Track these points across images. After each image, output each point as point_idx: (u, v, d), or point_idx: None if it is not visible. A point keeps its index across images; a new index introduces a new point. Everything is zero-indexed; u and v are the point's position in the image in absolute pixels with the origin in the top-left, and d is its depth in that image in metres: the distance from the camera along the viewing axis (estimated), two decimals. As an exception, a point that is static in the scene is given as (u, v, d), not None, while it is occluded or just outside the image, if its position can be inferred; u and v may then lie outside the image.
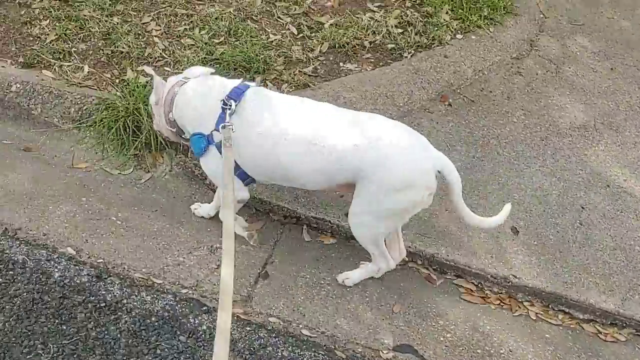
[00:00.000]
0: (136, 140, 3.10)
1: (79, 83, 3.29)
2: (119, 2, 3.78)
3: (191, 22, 3.74)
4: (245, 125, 2.37)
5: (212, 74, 2.61)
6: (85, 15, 3.65)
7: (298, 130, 2.34)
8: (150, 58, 3.48)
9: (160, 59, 3.47)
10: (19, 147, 3.15)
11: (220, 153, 2.34)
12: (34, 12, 3.67)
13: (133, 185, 3.06)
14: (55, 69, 3.35)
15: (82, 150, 3.18)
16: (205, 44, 3.57)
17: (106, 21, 3.64)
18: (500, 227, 2.82)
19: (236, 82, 2.50)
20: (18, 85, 3.25)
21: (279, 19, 3.89)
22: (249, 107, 2.38)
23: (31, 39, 3.52)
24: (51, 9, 3.67)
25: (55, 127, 3.21)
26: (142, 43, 3.55)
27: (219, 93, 2.41)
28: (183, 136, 2.62)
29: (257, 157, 2.42)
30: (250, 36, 3.66)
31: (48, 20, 3.60)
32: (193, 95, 2.47)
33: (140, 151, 3.15)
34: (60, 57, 3.42)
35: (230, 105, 2.33)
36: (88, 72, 3.36)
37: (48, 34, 3.53)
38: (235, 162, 2.33)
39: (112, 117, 3.12)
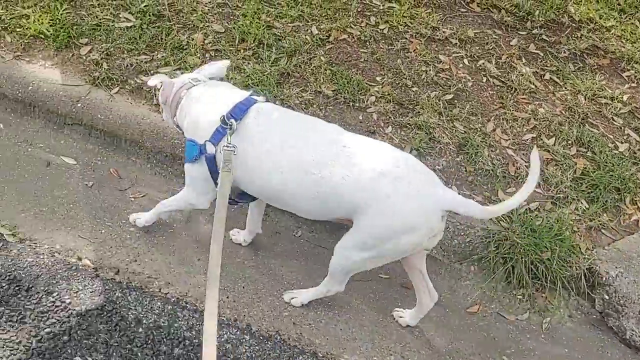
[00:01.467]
0: (535, 281, 2.86)
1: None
2: (454, 106, 3.48)
3: (533, 127, 3.45)
4: (242, 145, 2.23)
5: (226, 76, 2.53)
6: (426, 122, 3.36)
7: (295, 158, 2.18)
8: (520, 179, 3.19)
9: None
10: (396, 282, 2.90)
11: (208, 165, 2.29)
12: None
13: (536, 334, 2.82)
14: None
15: (464, 287, 2.93)
16: (563, 156, 3.29)
17: (452, 129, 3.36)
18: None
19: (243, 94, 2.37)
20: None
21: (612, 122, 3.60)
22: (248, 128, 2.24)
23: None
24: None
25: (436, 260, 2.96)
26: (499, 158, 3.27)
27: (222, 107, 2.28)
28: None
29: (252, 178, 2.28)
30: (600, 145, 3.38)
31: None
32: (196, 102, 2.38)
33: (527, 290, 2.90)
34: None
35: (231, 125, 2.21)
36: (460, 196, 3.08)
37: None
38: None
39: (504, 254, 2.86)
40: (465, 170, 3.18)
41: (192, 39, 3.55)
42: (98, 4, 3.67)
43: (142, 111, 3.19)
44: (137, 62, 3.39)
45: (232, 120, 2.21)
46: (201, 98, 2.37)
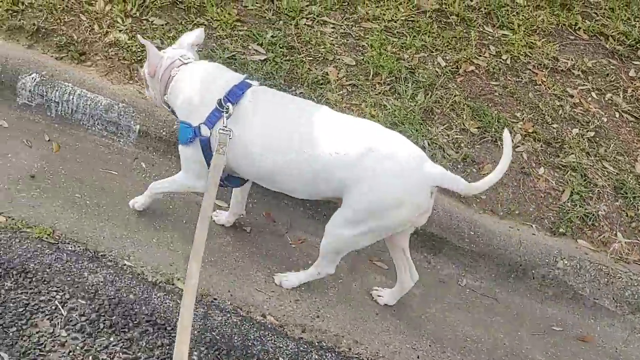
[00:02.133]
0: None
1: (627, 259, 2.94)
2: (599, 145, 3.40)
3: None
4: (237, 128, 2.25)
5: (197, 46, 2.54)
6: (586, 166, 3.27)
7: (287, 138, 2.23)
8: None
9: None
10: (570, 334, 2.82)
11: (202, 148, 2.29)
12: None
13: None
14: (591, 239, 3.00)
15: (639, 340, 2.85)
16: None
17: (603, 169, 3.27)
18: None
19: (237, 77, 2.37)
20: (565, 262, 2.90)
21: None
22: (243, 110, 2.27)
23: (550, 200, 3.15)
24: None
25: (607, 311, 2.88)
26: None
27: (218, 89, 2.30)
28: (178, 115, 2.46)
29: (244, 160, 2.30)
30: None
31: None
32: (191, 84, 2.35)
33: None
34: (588, 222, 3.06)
35: (227, 109, 2.23)
36: (625, 243, 3.01)
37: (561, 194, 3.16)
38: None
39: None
40: (627, 216, 3.10)
41: (327, 73, 3.43)
42: (225, 35, 3.54)
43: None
44: (278, 99, 3.27)
45: (229, 104, 2.22)
46: (196, 78, 2.35)
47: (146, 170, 3.06)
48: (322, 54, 3.56)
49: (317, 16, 3.82)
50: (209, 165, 2.29)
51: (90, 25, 3.45)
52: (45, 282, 2.36)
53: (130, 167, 3.05)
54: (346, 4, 3.98)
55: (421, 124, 3.27)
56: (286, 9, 3.81)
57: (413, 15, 3.91)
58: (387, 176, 2.13)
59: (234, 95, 2.26)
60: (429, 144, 3.17)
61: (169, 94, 2.40)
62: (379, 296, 2.67)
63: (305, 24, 3.76)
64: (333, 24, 3.82)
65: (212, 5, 3.69)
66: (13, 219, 2.62)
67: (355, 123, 2.28)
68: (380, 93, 3.40)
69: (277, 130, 2.24)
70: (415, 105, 3.35)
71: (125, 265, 2.55)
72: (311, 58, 3.54)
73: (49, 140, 3.08)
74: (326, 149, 2.17)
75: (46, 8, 3.46)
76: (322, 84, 3.38)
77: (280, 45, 3.54)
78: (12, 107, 3.20)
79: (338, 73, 3.47)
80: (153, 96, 2.55)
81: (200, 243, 1.92)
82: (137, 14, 3.55)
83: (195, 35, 2.55)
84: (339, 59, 3.56)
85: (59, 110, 3.18)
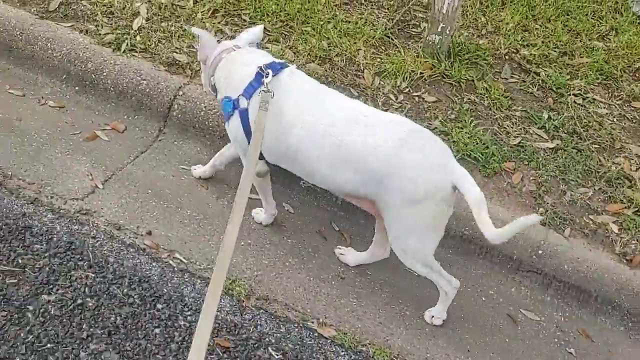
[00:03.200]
0: None
1: None
2: None
3: None
4: (271, 103, 2.29)
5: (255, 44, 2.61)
6: None
7: (316, 117, 2.28)
8: None
9: None
10: None
11: (242, 121, 2.36)
12: None
13: None
14: None
15: None
16: None
17: None
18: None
19: (273, 59, 2.47)
20: None
21: None
22: (280, 85, 2.34)
23: None
24: None
25: None
26: None
27: (255, 64, 2.39)
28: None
29: (274, 137, 2.34)
30: None
31: None
32: (234, 63, 2.45)
33: None
34: None
35: (268, 74, 2.31)
36: None
37: None
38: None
39: None
40: None
41: (622, 168, 3.15)
42: (504, 117, 3.31)
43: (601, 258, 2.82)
44: (579, 197, 3.02)
45: (269, 69, 2.32)
46: (239, 59, 2.46)
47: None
48: (607, 141, 3.29)
49: (585, 93, 3.55)
50: (249, 141, 2.36)
51: (364, 101, 3.26)
52: None
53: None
54: (605, 77, 3.70)
55: None
56: (551, 83, 3.55)
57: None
58: (417, 167, 2.20)
59: (274, 68, 2.36)
60: None
61: (216, 74, 2.49)
62: (341, 254, 2.71)
63: (574, 102, 3.49)
64: (603, 102, 3.55)
65: (479, 80, 3.46)
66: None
67: (384, 115, 2.37)
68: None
69: (310, 109, 2.30)
70: None
71: None
72: (597, 146, 3.27)
73: (338, 230, 2.90)
74: (356, 138, 2.22)
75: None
76: (619, 180, 3.11)
77: (563, 130, 3.28)
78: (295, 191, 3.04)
79: (630, 166, 3.19)
80: (204, 82, 2.64)
81: (239, 216, 1.86)
82: (409, 90, 3.35)
83: (253, 33, 2.62)
84: (627, 148, 3.28)
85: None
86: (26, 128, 2.94)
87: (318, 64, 3.36)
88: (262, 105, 2.25)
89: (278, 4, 3.66)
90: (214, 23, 3.46)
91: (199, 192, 2.87)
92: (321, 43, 3.47)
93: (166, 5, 3.51)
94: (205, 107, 3.07)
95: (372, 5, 3.89)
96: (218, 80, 2.50)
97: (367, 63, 3.43)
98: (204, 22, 3.46)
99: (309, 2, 3.73)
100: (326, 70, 3.33)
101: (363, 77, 3.37)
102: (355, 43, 3.52)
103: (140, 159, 2.93)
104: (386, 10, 3.86)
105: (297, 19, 3.61)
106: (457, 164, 2.26)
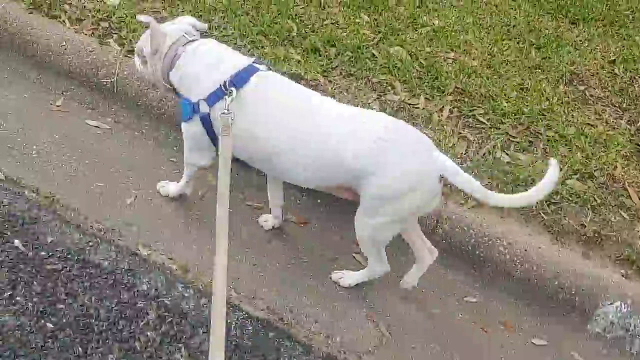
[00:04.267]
0: None
1: None
2: None
3: None
4: (240, 111, 2.26)
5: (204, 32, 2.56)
6: None
7: (293, 121, 2.26)
8: None
9: None
10: None
11: (203, 124, 2.35)
12: None
13: None
14: None
15: None
16: None
17: None
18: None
19: (245, 61, 2.37)
20: None
21: None
22: (247, 95, 2.29)
23: None
24: None
25: None
26: None
27: (225, 70, 2.32)
28: (180, 95, 2.47)
29: (246, 143, 2.31)
30: None
31: None
32: (197, 59, 2.38)
33: None
34: None
35: (231, 92, 2.25)
36: None
37: None
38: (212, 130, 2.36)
39: None
40: None
41: None
42: None
43: None
44: None
45: (232, 88, 2.26)
46: (204, 57, 2.38)
47: None
48: None
49: None
50: (213, 143, 2.40)
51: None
52: None
53: None
54: None
55: None
56: None
57: None
58: (400, 162, 2.18)
59: (240, 79, 2.28)
60: None
61: (176, 69, 2.40)
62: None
63: None
64: None
65: None
66: None
67: (361, 112, 2.35)
68: None
69: (282, 115, 2.26)
70: None
71: None
72: None
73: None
74: (334, 136, 2.21)
75: None
76: None
77: None
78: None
79: None
80: (151, 73, 2.51)
81: (223, 230, 1.90)
82: None
83: (195, 20, 2.55)
84: None
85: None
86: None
87: (577, 180, 3.05)
88: (224, 130, 2.19)
89: (514, 104, 3.36)
90: (451, 126, 3.18)
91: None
92: (575, 155, 3.16)
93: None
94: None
95: (601, 102, 3.59)
96: (178, 78, 2.42)
97: (628, 179, 3.12)
98: (442, 125, 3.17)
99: (547, 100, 3.44)
100: (589, 189, 3.03)
101: (629, 196, 3.06)
102: (608, 154, 3.22)
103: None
104: (620, 109, 3.56)
105: (539, 121, 3.31)
106: (440, 154, 2.25)
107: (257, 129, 2.29)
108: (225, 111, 2.23)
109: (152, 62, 2.49)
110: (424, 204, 2.31)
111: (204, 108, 2.34)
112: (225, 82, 2.28)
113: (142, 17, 2.49)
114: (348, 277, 2.64)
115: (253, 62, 2.37)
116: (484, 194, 2.24)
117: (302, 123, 2.26)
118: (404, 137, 2.25)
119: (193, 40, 2.44)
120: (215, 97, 2.31)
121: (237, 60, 2.39)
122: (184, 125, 2.47)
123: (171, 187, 2.77)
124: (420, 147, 2.25)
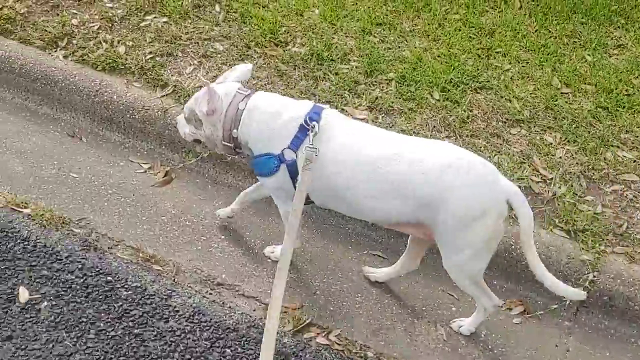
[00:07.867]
0: None
1: None
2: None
3: None
4: (319, 146, 2.36)
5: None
6: None
7: (362, 154, 2.34)
8: None
9: None
10: None
11: (290, 173, 2.41)
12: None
13: None
14: None
15: None
16: None
17: None
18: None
19: (306, 102, 2.50)
20: None
21: None
22: (322, 130, 2.37)
23: None
24: None
25: None
26: None
27: (294, 113, 2.41)
28: (239, 151, 2.59)
29: (320, 182, 2.38)
30: None
31: None
32: (265, 113, 2.44)
33: None
34: None
35: (314, 127, 2.34)
36: None
37: None
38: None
39: None
40: None
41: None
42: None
43: None
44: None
45: (314, 122, 2.34)
46: (266, 108, 2.44)
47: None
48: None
49: None
50: (294, 185, 2.40)
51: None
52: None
53: None
54: None
55: None
56: None
57: None
58: (469, 187, 2.26)
59: (314, 116, 2.37)
60: None
61: (241, 125, 2.45)
62: (372, 273, 2.79)
63: None
64: None
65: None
66: None
67: (425, 142, 2.43)
68: None
69: (351, 148, 2.34)
70: None
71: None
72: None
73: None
74: (402, 167, 2.28)
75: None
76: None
77: None
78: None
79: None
80: (209, 134, 2.53)
81: (286, 261, 2.08)
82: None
83: (241, 71, 2.61)
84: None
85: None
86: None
87: None
88: (306, 164, 2.27)
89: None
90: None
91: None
92: None
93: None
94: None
95: None
96: (246, 135, 2.46)
97: None
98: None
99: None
100: None
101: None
102: None
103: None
104: None
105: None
106: (508, 181, 2.35)
107: (333, 162, 2.34)
108: (310, 145, 2.30)
109: (212, 124, 2.49)
110: (497, 229, 2.33)
111: (289, 155, 2.39)
112: (305, 120, 2.34)
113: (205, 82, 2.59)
114: (468, 324, 2.64)
115: (315, 104, 2.45)
116: (534, 259, 2.35)
117: (371, 152, 2.32)
118: (470, 164, 2.30)
119: (248, 95, 2.48)
120: (298, 140, 2.35)
121: (299, 103, 2.46)
122: (268, 181, 2.47)
123: (277, 250, 2.76)
124: (487, 171, 2.32)
